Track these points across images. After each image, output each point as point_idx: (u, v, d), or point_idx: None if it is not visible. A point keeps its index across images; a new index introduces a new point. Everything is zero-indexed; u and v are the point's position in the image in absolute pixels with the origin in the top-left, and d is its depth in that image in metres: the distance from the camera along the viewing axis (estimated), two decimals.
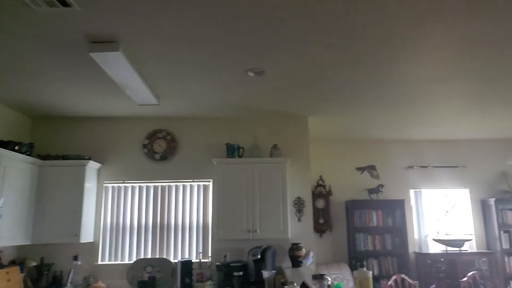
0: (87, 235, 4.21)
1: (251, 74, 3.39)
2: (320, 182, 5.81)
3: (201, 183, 4.56)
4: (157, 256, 4.37)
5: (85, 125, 4.65)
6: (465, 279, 4.53)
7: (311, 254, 3.52)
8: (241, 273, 3.96)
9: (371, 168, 6.02)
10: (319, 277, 2.66)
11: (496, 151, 6.14)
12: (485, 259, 5.55)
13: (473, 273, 4.62)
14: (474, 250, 5.77)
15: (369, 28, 2.57)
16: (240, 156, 4.42)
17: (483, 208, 5.98)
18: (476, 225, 5.95)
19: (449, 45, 2.86)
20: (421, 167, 6.07)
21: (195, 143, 4.62)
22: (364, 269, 2.23)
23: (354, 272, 2.24)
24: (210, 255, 4.37)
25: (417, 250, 5.78)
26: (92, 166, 4.36)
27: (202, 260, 4.32)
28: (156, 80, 3.47)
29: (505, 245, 5.62)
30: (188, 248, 4.42)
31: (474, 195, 6.04)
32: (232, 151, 4.38)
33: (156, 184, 4.54)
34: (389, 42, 2.79)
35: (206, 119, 4.69)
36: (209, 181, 4.55)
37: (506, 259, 5.58)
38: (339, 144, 6.10)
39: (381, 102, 4.20)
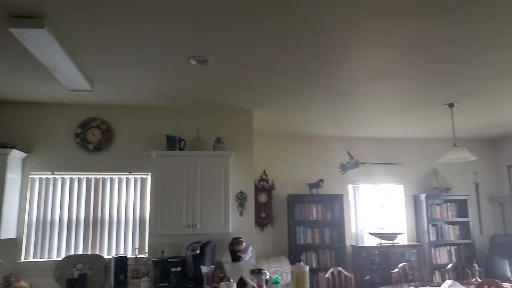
0: (8, 231, 3.85)
1: (194, 62, 3.25)
2: (264, 176, 5.81)
3: (138, 176, 4.34)
4: (89, 252, 4.11)
5: (8, 110, 4.23)
6: (396, 270, 4.75)
7: (250, 248, 3.49)
8: (179, 268, 3.83)
9: (352, 165, 6.21)
10: (256, 272, 2.62)
11: (429, 150, 6.51)
12: (414, 251, 5.88)
13: (403, 265, 4.87)
14: (405, 242, 6.09)
15: (310, 24, 2.55)
16: (181, 149, 4.27)
17: (415, 203, 6.33)
18: (408, 219, 6.29)
19: (387, 44, 2.93)
20: (360, 163, 6.28)
21: (133, 134, 4.39)
22: (301, 263, 2.22)
23: (292, 266, 2.22)
24: (147, 250, 4.18)
25: (353, 243, 5.98)
26: (16, 156, 3.98)
27: (138, 256, 4.13)
28: (89, 64, 3.21)
29: (433, 238, 6.00)
30: (123, 244, 4.20)
31: (407, 191, 6.37)
32: (173, 143, 4.22)
33: (89, 176, 4.26)
34: (330, 40, 2.80)
35: (146, 108, 4.47)
36: (147, 174, 4.35)
37: (432, 251, 5.96)
38: (283, 139, 6.14)
39: (322, 99, 4.25)
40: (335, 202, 5.85)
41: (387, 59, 3.23)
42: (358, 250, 5.71)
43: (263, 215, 5.65)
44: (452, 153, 4.49)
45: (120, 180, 4.31)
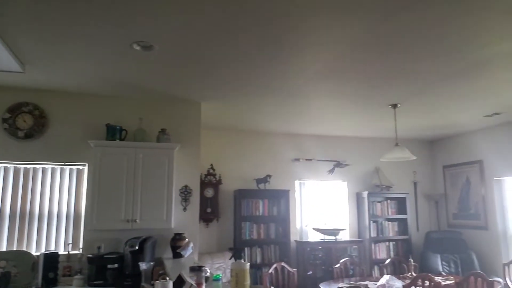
0: None
1: (137, 48, 3.06)
2: (211, 171, 5.69)
3: (74, 167, 4.06)
4: (15, 249, 3.77)
5: None
6: (337, 265, 4.84)
7: (191, 245, 3.37)
8: (116, 265, 3.63)
9: (337, 165, 6.34)
10: (196, 269, 2.52)
11: (372, 149, 6.73)
12: (356, 246, 6.05)
13: (344, 260, 4.98)
14: (348, 238, 6.25)
15: (259, 15, 2.48)
16: (122, 139, 4.04)
17: (357, 200, 6.51)
18: (350, 216, 6.46)
19: (334, 43, 2.93)
20: (306, 160, 6.35)
21: (70, 122, 4.08)
22: (242, 260, 2.15)
23: (231, 264, 2.14)
24: (81, 246, 3.92)
25: (298, 239, 6.04)
26: None
27: (71, 252, 3.85)
28: (20, 42, 2.92)
29: (373, 234, 6.21)
30: (54, 239, 3.90)
31: (351, 188, 6.54)
32: (113, 133, 3.98)
33: (18, 166, 3.91)
34: (278, 35, 2.74)
35: (85, 95, 4.18)
36: (84, 165, 4.07)
37: (373, 246, 6.17)
38: (231, 133, 6.05)
39: (271, 94, 4.22)
40: (282, 198, 5.87)
41: (333, 57, 3.24)
42: (302, 245, 5.77)
43: (208, 210, 5.53)
44: (394, 153, 4.64)
45: (53, 170, 4.00)
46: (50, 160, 3.96)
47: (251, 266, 5.51)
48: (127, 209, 3.85)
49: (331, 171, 6.42)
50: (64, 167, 4.03)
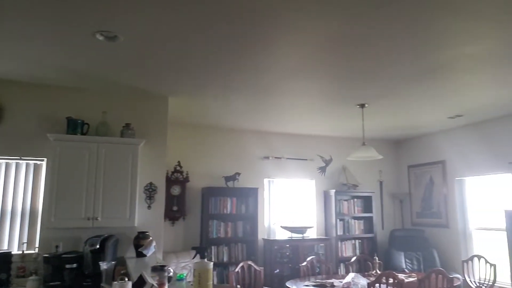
0: None
1: (101, 38, 2.92)
2: (178, 168, 5.56)
3: (31, 162, 3.85)
4: None
5: None
6: (304, 263, 4.85)
7: (154, 243, 3.27)
8: (74, 265, 3.46)
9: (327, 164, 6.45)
10: (159, 269, 2.43)
11: (340, 148, 6.80)
12: (322, 244, 6.10)
13: (311, 258, 4.99)
14: (315, 236, 6.29)
15: (228, 9, 2.42)
16: (84, 134, 3.87)
17: (324, 198, 6.57)
18: (318, 214, 6.50)
19: (305, 41, 2.91)
20: (276, 158, 6.34)
21: (27, 114, 3.86)
22: (205, 260, 2.08)
23: (194, 263, 2.07)
24: (37, 245, 3.72)
25: (265, 237, 6.02)
26: None
27: (26, 252, 3.65)
28: None
29: (340, 232, 6.28)
30: (8, 238, 3.69)
31: (318, 186, 6.59)
32: (75, 126, 3.80)
33: None
34: (249, 31, 2.69)
35: (44, 86, 3.97)
36: (42, 160, 3.87)
37: (339, 244, 6.24)
38: (200, 130, 5.94)
39: (240, 91, 4.16)
40: (250, 196, 5.82)
41: (303, 56, 3.22)
42: (270, 243, 5.75)
43: (175, 208, 5.41)
44: (361, 152, 4.70)
45: (8, 165, 3.77)
46: (5, 155, 3.73)
47: (218, 265, 5.44)
48: (88, 207, 3.69)
49: (323, 170, 6.50)
50: (20, 162, 3.81)
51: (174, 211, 5.41)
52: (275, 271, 5.68)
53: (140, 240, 3.76)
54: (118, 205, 3.78)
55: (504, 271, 4.86)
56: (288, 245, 5.85)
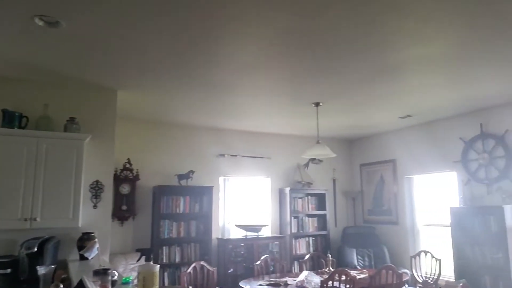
0: None
1: (40, 23, 2.68)
2: (128, 165, 5.31)
3: None
4: None
5: None
6: (258, 262, 4.80)
7: (97, 245, 3.06)
8: (8, 270, 3.19)
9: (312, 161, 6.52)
10: (101, 273, 2.25)
11: (295, 146, 6.82)
12: (277, 242, 6.09)
13: (265, 257, 4.95)
14: (269, 234, 6.26)
15: (184, 2, 2.30)
16: (22, 127, 3.57)
17: (280, 196, 6.56)
18: (273, 212, 6.48)
19: (261, 36, 2.83)
20: (232, 155, 6.24)
21: None
22: (151, 262, 1.94)
23: (138, 266, 1.93)
24: None
25: (220, 236, 5.91)
26: None
27: None
28: None
29: (294, 230, 6.30)
30: None
31: (274, 184, 6.57)
32: (11, 119, 3.49)
33: None
34: (202, 23, 2.57)
35: None
36: None
37: (293, 242, 6.26)
38: (152, 126, 5.71)
39: (194, 86, 4.02)
40: (204, 194, 5.69)
41: (259, 51, 3.15)
42: (224, 242, 5.65)
43: (124, 207, 5.16)
44: (315, 150, 4.71)
45: None
46: None
47: (169, 266, 5.26)
48: (25, 206, 3.40)
49: (306, 165, 6.59)
50: None
51: (123, 210, 5.16)
52: (229, 271, 5.59)
53: (84, 242, 3.53)
54: (60, 205, 3.52)
55: (449, 265, 5.08)
56: (242, 244, 5.78)
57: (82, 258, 3.49)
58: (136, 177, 5.30)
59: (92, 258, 3.24)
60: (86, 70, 3.59)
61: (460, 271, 4.90)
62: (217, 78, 3.82)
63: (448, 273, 5.17)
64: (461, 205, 5.18)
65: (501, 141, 4.87)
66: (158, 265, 1.95)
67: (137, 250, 2.22)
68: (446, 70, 3.66)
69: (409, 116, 5.46)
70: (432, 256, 5.00)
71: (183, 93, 4.29)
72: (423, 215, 6.09)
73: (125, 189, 5.19)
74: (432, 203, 5.96)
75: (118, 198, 5.14)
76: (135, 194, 5.30)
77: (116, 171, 5.15)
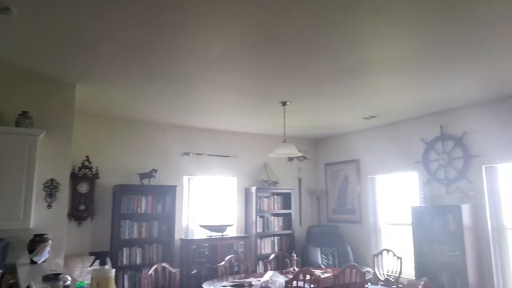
0: None
1: None
2: (86, 163, 5.06)
3: None
4: None
5: None
6: (222, 263, 4.71)
7: (47, 248, 2.87)
8: None
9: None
10: (51, 278, 2.10)
11: (262, 145, 6.77)
12: (242, 242, 6.02)
13: (230, 257, 4.87)
14: (234, 234, 6.19)
15: None
16: None
17: (246, 195, 6.50)
18: (238, 211, 6.41)
19: (230, 31, 2.75)
20: (197, 154, 6.11)
21: None
22: (106, 266, 1.82)
23: (92, 271, 1.80)
24: None
25: (183, 237, 5.77)
26: None
27: None
28: None
29: (259, 229, 6.25)
30: None
31: (240, 183, 6.50)
32: None
33: None
34: (164, 10, 2.46)
35: None
36: None
37: (258, 242, 6.21)
38: (113, 122, 5.48)
39: (158, 81, 3.87)
40: (168, 194, 5.52)
41: (226, 47, 3.06)
42: (187, 243, 5.51)
43: (82, 207, 4.91)
44: (282, 149, 4.68)
45: None
46: None
47: (130, 268, 5.08)
48: None
49: (290, 159, 6.69)
50: None
51: (81, 210, 4.91)
52: (192, 272, 5.47)
53: (36, 244, 3.31)
54: (9, 204, 3.28)
55: (409, 263, 5.20)
56: (207, 245, 5.67)
57: (34, 261, 3.27)
58: (96, 176, 5.06)
59: (42, 262, 3.03)
60: (42, 62, 3.36)
61: (419, 269, 5.02)
62: (182, 74, 3.69)
63: (409, 271, 5.29)
64: (422, 204, 5.32)
65: (459, 142, 5.04)
66: (114, 269, 1.82)
67: (91, 254, 2.04)
68: (409, 72, 3.72)
69: (373, 117, 5.55)
70: (394, 254, 5.10)
71: (146, 88, 4.13)
72: (386, 214, 6.21)
73: (83, 188, 4.95)
74: (394, 203, 6.09)
75: (76, 197, 4.89)
76: (94, 193, 5.06)
77: (74, 169, 4.90)
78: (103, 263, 1.84)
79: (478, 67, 3.59)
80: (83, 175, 4.97)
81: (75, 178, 4.88)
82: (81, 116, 5.10)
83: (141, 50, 3.13)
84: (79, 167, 4.97)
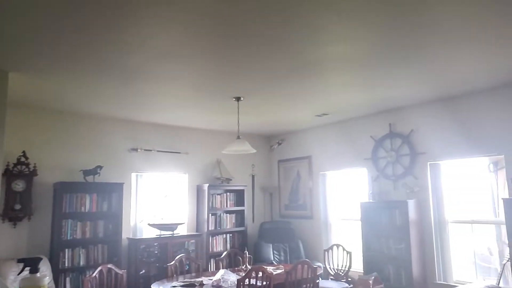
0: None
1: None
2: (23, 159, 4.66)
3: None
4: None
5: None
6: (172, 262, 4.55)
7: None
8: None
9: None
10: None
11: (215, 141, 6.63)
12: (193, 240, 5.87)
13: (180, 256, 4.72)
14: (186, 233, 6.02)
15: None
16: None
17: (197, 193, 6.34)
18: (190, 209, 6.24)
19: (174, 20, 2.60)
20: (146, 150, 5.86)
21: None
22: (38, 274, 1.63)
23: (21, 280, 1.61)
24: None
25: (131, 236, 5.52)
26: None
27: None
28: None
29: (211, 227, 6.13)
30: None
31: (191, 180, 6.33)
32: None
33: None
34: (122, 4, 2.28)
35: None
36: None
37: (210, 240, 6.09)
38: (53, 115, 5.08)
39: (103, 72, 3.63)
40: (114, 192, 5.24)
41: (176, 37, 2.91)
42: (135, 243, 5.28)
43: (17, 207, 4.52)
44: (235, 145, 4.59)
45: None
46: None
47: (72, 270, 4.77)
48: None
49: (273, 148, 6.86)
50: None
51: (17, 210, 4.52)
52: (141, 272, 5.24)
53: None
54: None
55: (358, 257, 5.33)
56: (156, 244, 5.46)
57: None
58: (33, 173, 4.68)
59: None
60: None
61: (367, 263, 5.16)
62: (130, 65, 3.48)
63: (358, 266, 5.41)
64: (370, 200, 5.46)
65: (406, 140, 5.22)
66: (47, 277, 1.64)
67: (19, 261, 1.78)
68: (359, 71, 3.77)
69: (325, 114, 5.61)
70: (344, 249, 5.20)
71: (90, 80, 3.86)
72: (336, 209, 6.32)
73: (19, 185, 4.56)
74: (344, 198, 6.21)
75: (11, 196, 4.50)
76: (31, 192, 4.67)
77: (8, 165, 4.50)
78: (34, 271, 1.65)
79: (424, 68, 3.71)
80: (19, 172, 4.58)
81: (9, 175, 4.49)
82: (18, 107, 4.69)
83: (84, 39, 2.89)
84: (14, 163, 4.56)
